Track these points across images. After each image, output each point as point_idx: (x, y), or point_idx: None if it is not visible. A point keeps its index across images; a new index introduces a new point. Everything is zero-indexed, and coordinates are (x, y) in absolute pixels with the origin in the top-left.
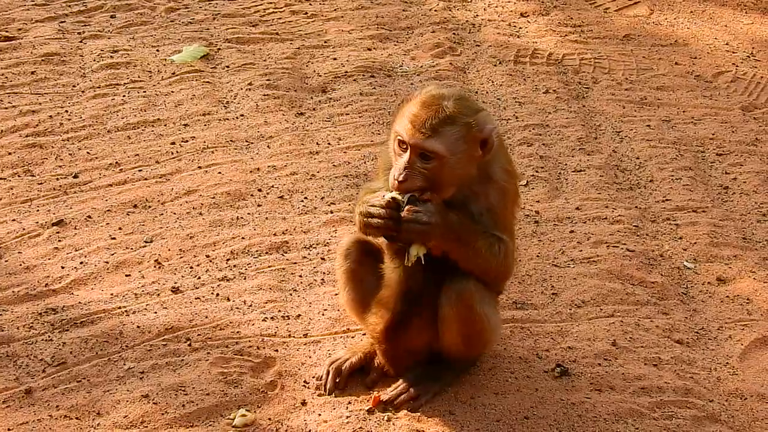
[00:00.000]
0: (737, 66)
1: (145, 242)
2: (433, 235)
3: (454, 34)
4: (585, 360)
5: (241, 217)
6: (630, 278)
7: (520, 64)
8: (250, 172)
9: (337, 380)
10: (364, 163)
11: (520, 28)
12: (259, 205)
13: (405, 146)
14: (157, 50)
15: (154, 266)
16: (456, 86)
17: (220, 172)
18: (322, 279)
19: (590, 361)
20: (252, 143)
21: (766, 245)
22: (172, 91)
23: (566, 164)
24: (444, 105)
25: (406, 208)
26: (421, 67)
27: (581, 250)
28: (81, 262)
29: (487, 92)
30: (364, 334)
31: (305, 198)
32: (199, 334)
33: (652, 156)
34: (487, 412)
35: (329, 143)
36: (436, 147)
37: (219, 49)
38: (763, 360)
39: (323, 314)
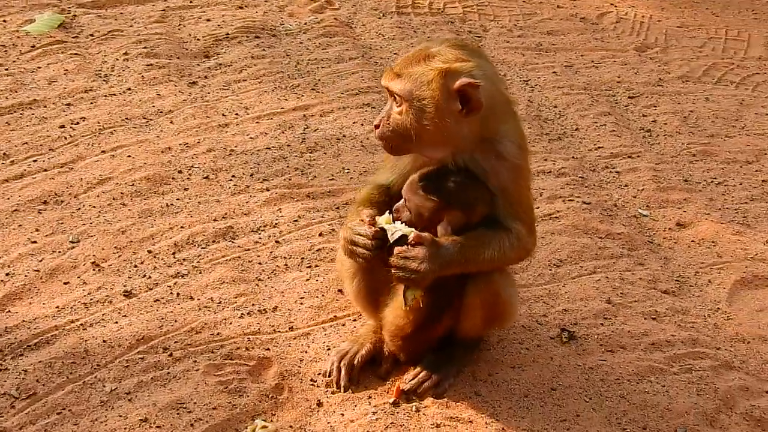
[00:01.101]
0: (616, 6)
1: (72, 243)
2: (427, 280)
3: None
4: (586, 321)
5: (171, 204)
6: (596, 231)
7: (404, 15)
8: (162, 152)
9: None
10: (282, 132)
11: None
12: (185, 189)
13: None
14: (4, 21)
15: (93, 269)
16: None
17: (129, 156)
18: (285, 264)
19: (591, 322)
20: (151, 120)
21: (707, 185)
22: (39, 67)
23: None
24: (427, 50)
25: (395, 252)
26: (305, 24)
27: (539, 207)
28: (7, 274)
29: (380, 47)
30: (355, 320)
31: (233, 176)
32: (176, 342)
33: (569, 103)
34: (511, 388)
35: (236, 113)
36: (397, 88)
37: (75, 15)
38: (749, 301)
39: (301, 303)
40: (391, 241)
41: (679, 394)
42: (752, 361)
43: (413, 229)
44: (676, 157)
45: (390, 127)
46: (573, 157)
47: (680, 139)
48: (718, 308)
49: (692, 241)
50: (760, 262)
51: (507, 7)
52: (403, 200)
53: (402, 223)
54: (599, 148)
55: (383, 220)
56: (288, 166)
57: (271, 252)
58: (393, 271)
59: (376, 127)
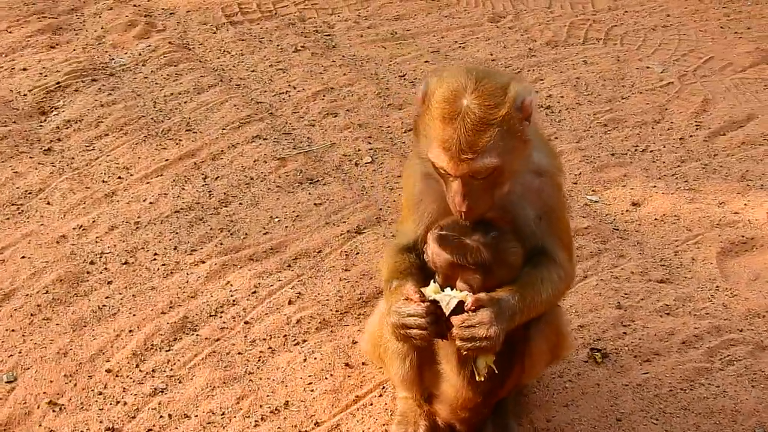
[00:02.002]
0: None
1: (9, 382)
2: (499, 344)
3: (135, 6)
4: (608, 334)
5: (103, 305)
6: None
7: (238, 24)
8: (58, 243)
9: None
10: (182, 189)
11: None
12: (109, 282)
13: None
14: None
15: (53, 411)
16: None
17: (23, 256)
18: (269, 348)
19: (614, 333)
20: (23, 205)
21: (634, 155)
22: None
23: (388, 126)
24: (469, 108)
25: (457, 323)
26: (139, 54)
27: None
28: None
29: (234, 66)
30: (380, 396)
31: (155, 255)
32: None
33: None
34: (577, 429)
35: (118, 176)
36: (488, 163)
37: None
38: (741, 272)
39: (312, 391)
40: (447, 313)
41: (738, 391)
42: None
43: (467, 293)
44: (589, 130)
45: (482, 200)
46: None
47: (583, 111)
48: (718, 287)
49: (655, 219)
50: (728, 227)
51: (351, 1)
52: (430, 253)
53: (451, 288)
54: None
55: (431, 290)
56: (211, 229)
57: (245, 336)
58: (459, 344)
59: (467, 213)
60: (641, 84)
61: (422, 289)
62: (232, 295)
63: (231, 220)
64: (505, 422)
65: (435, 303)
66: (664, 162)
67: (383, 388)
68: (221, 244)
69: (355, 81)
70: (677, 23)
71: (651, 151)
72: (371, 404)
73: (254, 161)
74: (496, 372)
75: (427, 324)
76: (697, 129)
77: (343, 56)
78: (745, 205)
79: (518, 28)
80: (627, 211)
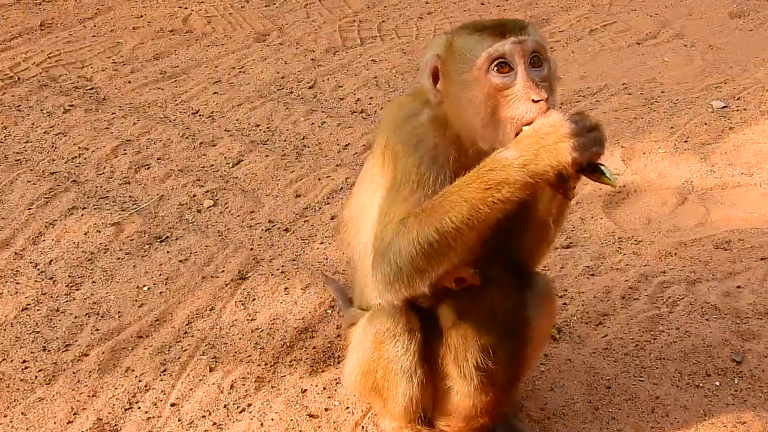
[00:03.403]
0: (188, 7)
1: None
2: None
3: None
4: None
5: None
6: None
7: None
8: None
9: None
10: (15, 284)
11: None
12: None
13: (507, 66)
14: None
15: None
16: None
17: None
18: (215, 424)
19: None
20: None
21: None
22: None
23: (212, 165)
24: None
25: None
26: None
27: None
28: None
29: (2, 143)
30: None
31: (24, 363)
32: None
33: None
34: (575, 407)
35: None
36: (544, 44)
37: None
38: (632, 218)
39: None
40: None
41: (698, 327)
42: (689, 264)
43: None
44: None
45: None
46: None
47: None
48: (620, 238)
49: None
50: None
51: (97, 50)
52: None
53: None
54: None
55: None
56: (75, 317)
57: (180, 420)
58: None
59: (546, 99)
60: None
61: None
62: (139, 381)
63: (93, 302)
64: (511, 425)
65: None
66: None
67: (362, 427)
68: (97, 330)
69: (150, 128)
70: (441, 8)
71: None
72: None
73: (85, 234)
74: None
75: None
76: None
77: (121, 106)
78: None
79: (289, 43)
80: None
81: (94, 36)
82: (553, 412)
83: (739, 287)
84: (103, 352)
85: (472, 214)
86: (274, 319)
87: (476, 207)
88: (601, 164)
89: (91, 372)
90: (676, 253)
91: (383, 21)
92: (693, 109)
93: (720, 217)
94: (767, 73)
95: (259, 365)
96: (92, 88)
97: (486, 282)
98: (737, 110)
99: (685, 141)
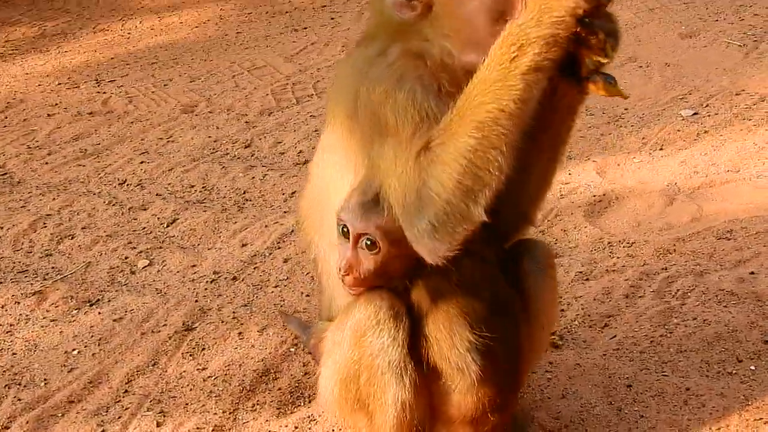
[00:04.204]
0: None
1: None
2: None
3: None
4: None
5: None
6: None
7: None
8: None
9: None
10: None
11: None
12: None
13: None
14: None
15: None
16: None
17: None
18: None
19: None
20: None
21: None
22: None
23: (144, 227)
24: None
25: None
26: None
27: None
28: None
29: None
30: None
31: None
32: None
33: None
34: (594, 411)
35: None
36: None
37: None
38: (619, 224)
39: None
40: None
41: (718, 315)
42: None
43: None
44: None
45: None
46: None
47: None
48: (609, 242)
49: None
50: (571, 195)
51: (8, 139)
52: None
53: None
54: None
55: None
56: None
57: None
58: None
59: None
60: None
61: None
62: None
63: (14, 373)
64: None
65: None
66: None
67: None
68: (19, 400)
69: (72, 201)
70: None
71: None
72: None
73: (2, 308)
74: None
75: None
76: None
77: (38, 186)
78: (569, 174)
79: (219, 110)
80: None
81: (5, 127)
82: (570, 419)
83: (753, 273)
84: (27, 422)
85: (506, 96)
86: (228, 365)
87: (509, 84)
88: (609, 74)
89: None
90: (675, 250)
91: (318, 81)
92: (662, 120)
93: (715, 210)
94: (732, 81)
95: (215, 414)
96: (5, 174)
97: (463, 252)
98: (708, 116)
99: (660, 149)
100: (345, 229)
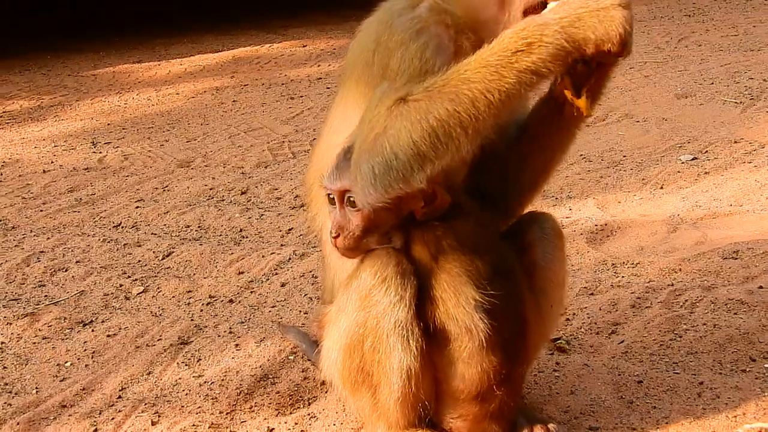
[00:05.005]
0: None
1: None
2: None
3: None
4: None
5: None
6: None
7: None
8: None
9: None
10: None
11: None
12: None
13: None
14: None
15: None
16: None
17: None
18: None
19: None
20: None
21: None
22: None
23: (139, 260)
24: None
25: None
26: None
27: None
28: None
29: None
30: None
31: None
32: None
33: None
34: (605, 405)
35: None
36: None
37: None
38: (622, 249)
39: None
40: None
41: (729, 320)
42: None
43: None
44: None
45: None
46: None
47: None
48: (614, 264)
49: None
50: (573, 225)
51: (3, 191)
52: None
53: None
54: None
55: None
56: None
57: None
58: None
59: None
60: None
61: None
62: None
63: (5, 383)
64: (533, 416)
65: None
66: None
67: None
68: (9, 405)
69: (66, 240)
70: None
71: None
72: None
73: None
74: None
75: None
76: None
77: (32, 230)
78: (570, 209)
79: (215, 164)
80: None
81: (0, 182)
82: (579, 411)
83: (761, 287)
84: (18, 424)
85: (494, 83)
86: (225, 372)
87: (501, 74)
88: None
89: None
90: (680, 269)
91: (314, 138)
92: (661, 164)
93: (719, 237)
94: (731, 131)
95: (212, 414)
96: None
97: (459, 213)
98: (708, 160)
99: (661, 188)
100: (331, 196)
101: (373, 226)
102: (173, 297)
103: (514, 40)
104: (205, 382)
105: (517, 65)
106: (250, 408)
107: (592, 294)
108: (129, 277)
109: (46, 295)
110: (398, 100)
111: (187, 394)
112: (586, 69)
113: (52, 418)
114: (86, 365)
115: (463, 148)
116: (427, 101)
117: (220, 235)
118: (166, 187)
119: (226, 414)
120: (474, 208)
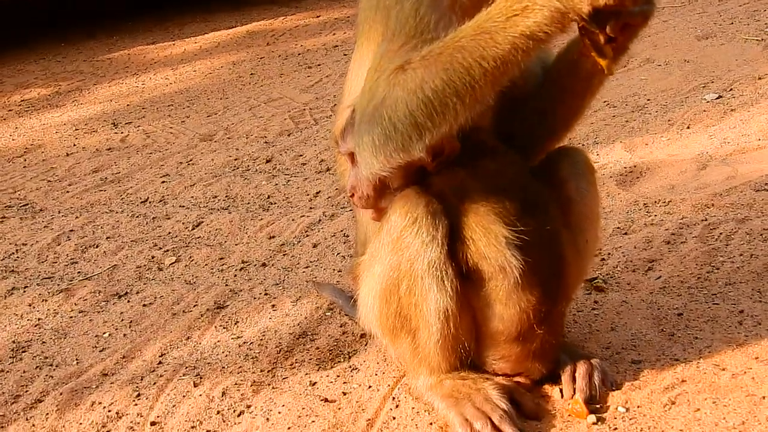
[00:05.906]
0: None
1: None
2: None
3: None
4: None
5: None
6: None
7: None
8: None
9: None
10: None
11: None
12: None
13: None
14: None
15: None
16: None
17: None
18: None
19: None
20: None
21: None
22: None
23: (169, 233)
24: None
25: None
26: None
27: None
28: None
29: None
30: (398, 407)
31: None
32: None
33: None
34: (646, 339)
35: None
36: None
37: None
38: (652, 189)
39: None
40: None
41: (765, 250)
42: (731, 210)
43: None
44: None
45: None
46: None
47: None
48: (645, 204)
49: None
50: (600, 170)
51: (29, 176)
52: None
53: None
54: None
55: None
56: (24, 372)
57: None
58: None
59: None
60: None
61: None
62: (109, 411)
63: (45, 357)
64: (574, 352)
65: None
66: None
67: (393, 398)
68: (51, 377)
69: (95, 218)
70: None
71: None
72: (393, 419)
73: (29, 305)
74: None
75: None
76: None
77: (60, 211)
78: (597, 155)
79: (238, 136)
80: None
81: (24, 167)
82: (621, 346)
83: None
84: (61, 394)
85: (490, 50)
86: (263, 332)
87: (495, 40)
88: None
89: (48, 414)
90: (713, 204)
91: (335, 105)
92: (686, 105)
93: (750, 171)
94: (754, 69)
95: (254, 372)
96: (26, 204)
97: (484, 153)
98: (733, 98)
99: (688, 127)
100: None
101: (384, 186)
102: (206, 265)
103: (509, 4)
104: (244, 342)
105: (512, 30)
106: (291, 365)
107: (625, 233)
108: (160, 248)
109: (79, 272)
110: (396, 68)
111: (227, 356)
112: (613, 28)
113: (94, 386)
114: (124, 335)
115: (461, 117)
116: (423, 70)
117: (248, 203)
118: (191, 161)
119: (268, 372)
120: (499, 147)
